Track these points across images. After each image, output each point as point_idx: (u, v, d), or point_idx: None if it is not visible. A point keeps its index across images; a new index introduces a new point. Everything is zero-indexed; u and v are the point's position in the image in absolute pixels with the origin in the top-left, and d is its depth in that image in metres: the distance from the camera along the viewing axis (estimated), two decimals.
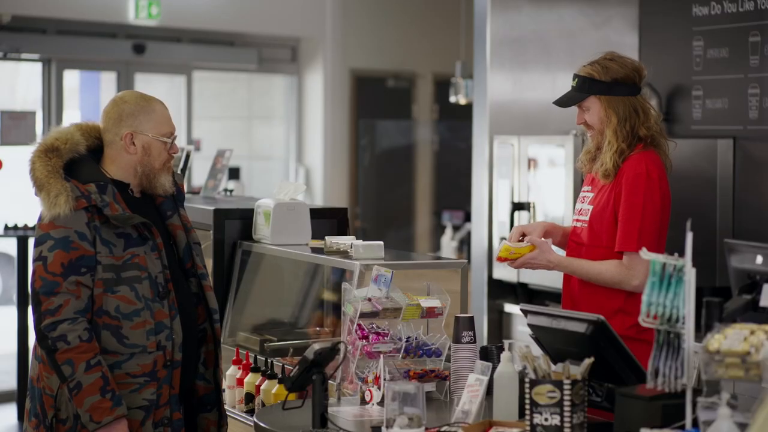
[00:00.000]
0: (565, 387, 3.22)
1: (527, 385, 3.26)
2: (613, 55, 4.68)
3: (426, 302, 4.20)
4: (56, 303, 3.85)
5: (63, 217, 3.89)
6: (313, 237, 5.23)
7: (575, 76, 4.62)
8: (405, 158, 12.40)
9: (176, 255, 4.14)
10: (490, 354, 4.05)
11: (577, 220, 4.57)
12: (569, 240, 4.64)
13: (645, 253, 3.29)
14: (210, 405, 4.20)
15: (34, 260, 3.94)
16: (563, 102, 4.66)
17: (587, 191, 4.60)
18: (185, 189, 4.66)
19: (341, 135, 11.74)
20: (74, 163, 4.02)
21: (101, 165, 4.06)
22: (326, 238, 4.92)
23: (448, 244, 10.83)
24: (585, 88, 4.59)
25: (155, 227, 4.03)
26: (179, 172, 6.29)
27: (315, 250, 5.01)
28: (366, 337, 4.09)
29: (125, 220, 3.95)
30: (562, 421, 3.21)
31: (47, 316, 3.85)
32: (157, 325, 3.97)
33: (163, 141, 4.04)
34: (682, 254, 3.12)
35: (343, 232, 5.40)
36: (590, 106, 4.56)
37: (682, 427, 3.10)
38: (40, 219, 3.95)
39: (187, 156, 6.57)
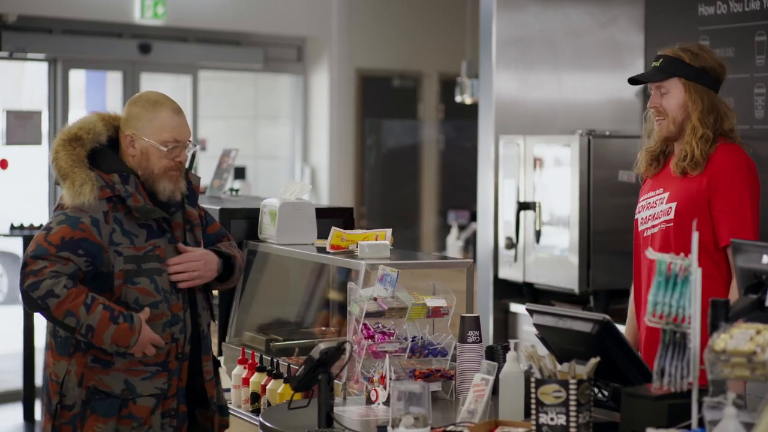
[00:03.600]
0: (571, 386, 3.22)
1: (533, 385, 3.26)
2: (702, 45, 4.45)
3: (432, 302, 4.20)
4: (41, 265, 3.89)
5: (87, 205, 3.93)
6: (319, 236, 5.23)
7: (660, 56, 4.40)
8: (411, 158, 12.40)
9: None
10: (495, 353, 4.05)
11: (652, 226, 4.38)
12: (641, 256, 4.42)
13: (651, 253, 3.28)
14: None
15: (39, 231, 3.98)
16: (645, 77, 4.44)
17: (657, 194, 4.40)
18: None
19: (347, 134, 11.74)
20: (96, 153, 4.04)
21: (123, 158, 4.08)
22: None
23: (454, 243, 10.84)
24: (670, 69, 4.34)
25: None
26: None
27: (321, 249, 5.01)
28: (372, 337, 4.09)
29: (147, 213, 3.99)
30: (567, 420, 3.21)
31: (30, 276, 3.89)
32: (173, 318, 4.04)
33: (161, 148, 4.02)
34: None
35: None
36: (671, 89, 4.34)
37: (688, 426, 3.10)
38: (62, 205, 3.99)
39: (193, 155, 6.57)
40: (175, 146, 4.04)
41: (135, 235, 3.98)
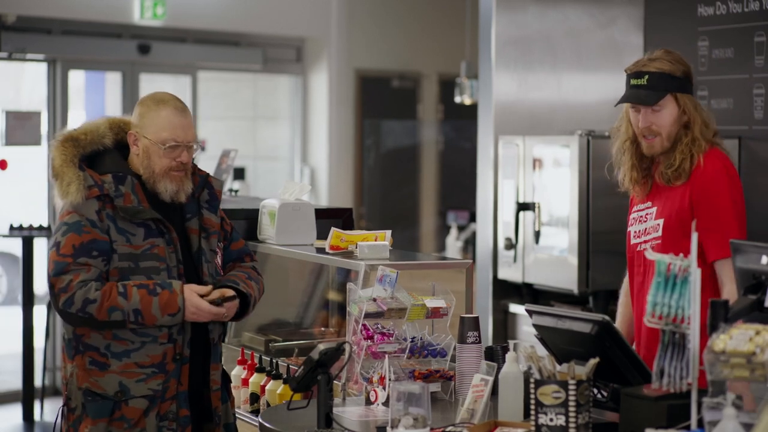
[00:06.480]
0: (570, 387, 3.22)
1: (532, 386, 3.26)
2: (669, 50, 4.34)
3: (431, 302, 4.20)
4: (66, 280, 3.90)
5: (75, 204, 3.94)
6: (319, 237, 5.23)
7: (641, 72, 4.27)
8: (410, 158, 12.40)
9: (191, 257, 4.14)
10: (495, 354, 4.05)
11: (644, 242, 4.33)
12: (633, 268, 4.37)
13: (650, 254, 3.28)
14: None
15: (49, 249, 4.00)
16: (640, 101, 4.25)
17: (647, 207, 4.35)
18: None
19: (346, 135, 11.74)
20: (98, 155, 4.07)
21: (128, 159, 4.10)
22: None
23: (453, 244, 10.83)
24: (662, 86, 4.23)
25: (170, 223, 4.04)
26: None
27: (320, 250, 5.01)
28: (371, 338, 4.09)
29: (134, 214, 3.98)
30: (567, 421, 3.21)
31: (61, 294, 3.90)
32: None
33: (160, 147, 4.02)
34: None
35: None
36: (664, 105, 4.24)
37: (688, 427, 3.10)
38: (59, 211, 4.02)
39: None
40: (174, 146, 4.03)
41: (131, 233, 3.99)
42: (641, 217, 4.39)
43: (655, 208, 4.33)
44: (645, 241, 4.34)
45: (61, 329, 4.08)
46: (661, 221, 4.29)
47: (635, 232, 4.41)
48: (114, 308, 3.89)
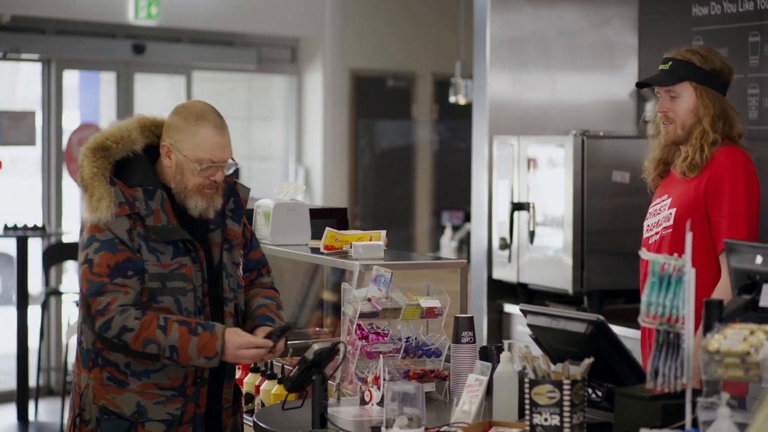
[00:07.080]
0: (565, 387, 3.22)
1: (527, 386, 3.26)
2: (709, 48, 4.42)
3: (425, 302, 4.20)
4: (104, 302, 3.78)
5: (105, 222, 3.80)
6: (313, 237, 5.23)
7: (668, 59, 4.35)
8: (404, 158, 12.40)
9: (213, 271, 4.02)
10: (489, 354, 4.05)
11: (656, 233, 4.38)
12: (643, 261, 4.40)
13: (644, 254, 3.28)
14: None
15: (80, 264, 3.86)
16: (656, 81, 4.35)
17: (662, 200, 4.40)
18: None
19: (341, 135, 11.74)
20: (128, 163, 3.91)
21: (157, 165, 3.95)
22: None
23: (448, 244, 10.83)
24: (681, 72, 4.30)
25: (197, 241, 3.91)
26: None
27: (314, 250, 5.01)
28: (366, 338, 4.09)
29: (166, 234, 3.85)
30: (561, 421, 3.21)
31: (98, 317, 3.78)
32: None
33: (195, 166, 3.87)
34: None
35: None
36: (682, 93, 4.31)
37: (682, 427, 3.10)
38: (84, 221, 3.88)
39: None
40: (210, 166, 3.88)
41: (161, 252, 3.85)
42: (656, 210, 4.44)
43: (670, 199, 4.38)
44: (657, 233, 4.39)
45: (77, 334, 3.96)
46: (673, 210, 4.33)
47: (648, 225, 4.46)
48: (150, 341, 3.76)
